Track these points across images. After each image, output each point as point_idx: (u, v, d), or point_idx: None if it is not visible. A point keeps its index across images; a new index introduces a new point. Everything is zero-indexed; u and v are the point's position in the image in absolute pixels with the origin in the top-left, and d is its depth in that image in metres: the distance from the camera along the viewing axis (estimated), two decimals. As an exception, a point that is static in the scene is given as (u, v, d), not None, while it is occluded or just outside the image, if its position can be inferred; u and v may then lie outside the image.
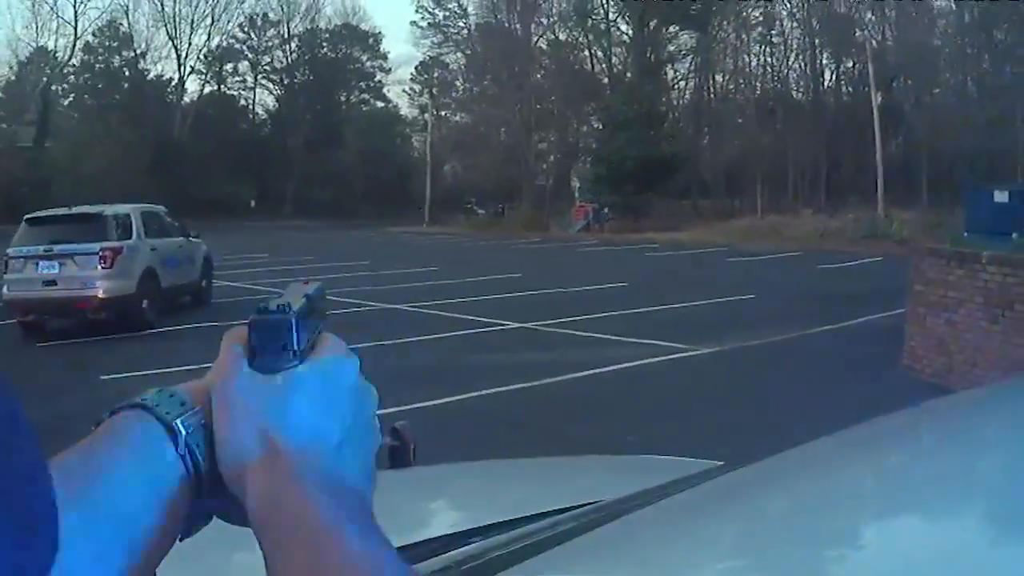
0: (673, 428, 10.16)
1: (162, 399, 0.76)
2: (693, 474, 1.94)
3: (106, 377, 13.52)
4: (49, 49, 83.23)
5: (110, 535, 0.69)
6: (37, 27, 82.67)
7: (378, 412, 0.85)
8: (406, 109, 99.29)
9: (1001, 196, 24.28)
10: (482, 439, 9.95)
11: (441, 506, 2.68)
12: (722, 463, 2.08)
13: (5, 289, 18.70)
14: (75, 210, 19.87)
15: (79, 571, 0.64)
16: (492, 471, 3.10)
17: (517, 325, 18.47)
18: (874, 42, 61.45)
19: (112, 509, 0.70)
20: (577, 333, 17.26)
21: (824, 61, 72.59)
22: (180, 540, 0.77)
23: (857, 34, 66.00)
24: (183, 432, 0.75)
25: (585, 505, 1.79)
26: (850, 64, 70.25)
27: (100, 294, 18.39)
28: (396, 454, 2.11)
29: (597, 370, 13.78)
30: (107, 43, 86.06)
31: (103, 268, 18.49)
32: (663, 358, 14.80)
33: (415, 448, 2.09)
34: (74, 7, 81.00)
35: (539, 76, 72.50)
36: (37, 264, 18.51)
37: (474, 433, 10.31)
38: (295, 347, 0.78)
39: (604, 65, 77.44)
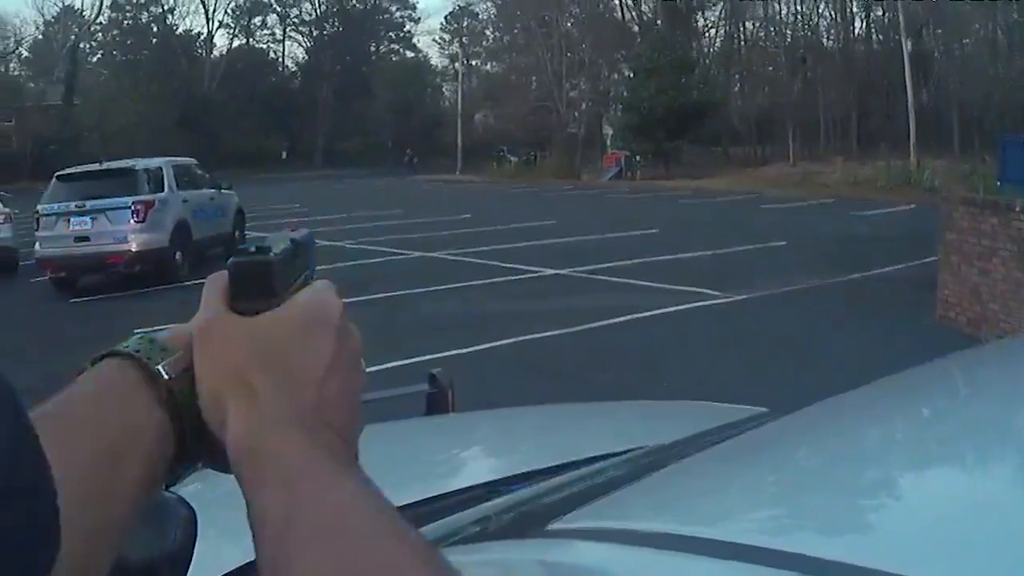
0: (707, 375, 10.16)
1: (143, 346, 0.76)
2: (735, 421, 1.93)
3: (140, 331, 13.56)
4: (76, 7, 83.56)
5: (93, 485, 0.68)
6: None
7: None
8: (436, 59, 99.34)
9: (1034, 146, 23.98)
10: (519, 386, 9.97)
11: (479, 453, 2.67)
12: (762, 409, 2.07)
13: (37, 246, 18.78)
14: (106, 165, 19.85)
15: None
16: (530, 417, 3.10)
17: (553, 272, 18.48)
18: (904, -10, 60.78)
19: (95, 459, 0.69)
20: (612, 279, 17.26)
21: (854, 9, 71.92)
22: (166, 488, 0.77)
23: (887, -18, 65.28)
24: (165, 378, 0.74)
25: (626, 452, 1.78)
26: (880, 12, 69.47)
27: (133, 248, 18.43)
28: (433, 400, 2.11)
29: (633, 316, 13.79)
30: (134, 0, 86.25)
31: (136, 222, 18.50)
32: (697, 304, 14.78)
33: (453, 394, 2.08)
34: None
35: (569, 24, 72.11)
36: (69, 220, 18.54)
37: (511, 380, 10.35)
38: (274, 288, 0.77)
39: (634, 13, 77.04)
